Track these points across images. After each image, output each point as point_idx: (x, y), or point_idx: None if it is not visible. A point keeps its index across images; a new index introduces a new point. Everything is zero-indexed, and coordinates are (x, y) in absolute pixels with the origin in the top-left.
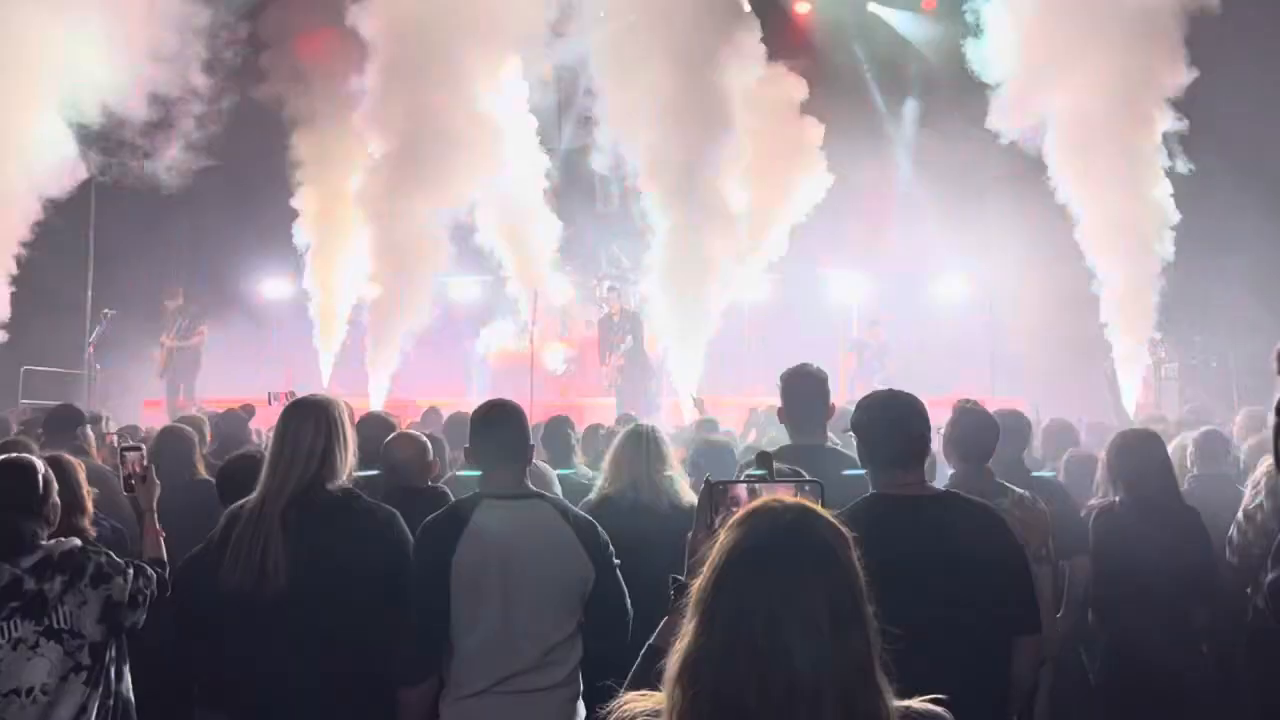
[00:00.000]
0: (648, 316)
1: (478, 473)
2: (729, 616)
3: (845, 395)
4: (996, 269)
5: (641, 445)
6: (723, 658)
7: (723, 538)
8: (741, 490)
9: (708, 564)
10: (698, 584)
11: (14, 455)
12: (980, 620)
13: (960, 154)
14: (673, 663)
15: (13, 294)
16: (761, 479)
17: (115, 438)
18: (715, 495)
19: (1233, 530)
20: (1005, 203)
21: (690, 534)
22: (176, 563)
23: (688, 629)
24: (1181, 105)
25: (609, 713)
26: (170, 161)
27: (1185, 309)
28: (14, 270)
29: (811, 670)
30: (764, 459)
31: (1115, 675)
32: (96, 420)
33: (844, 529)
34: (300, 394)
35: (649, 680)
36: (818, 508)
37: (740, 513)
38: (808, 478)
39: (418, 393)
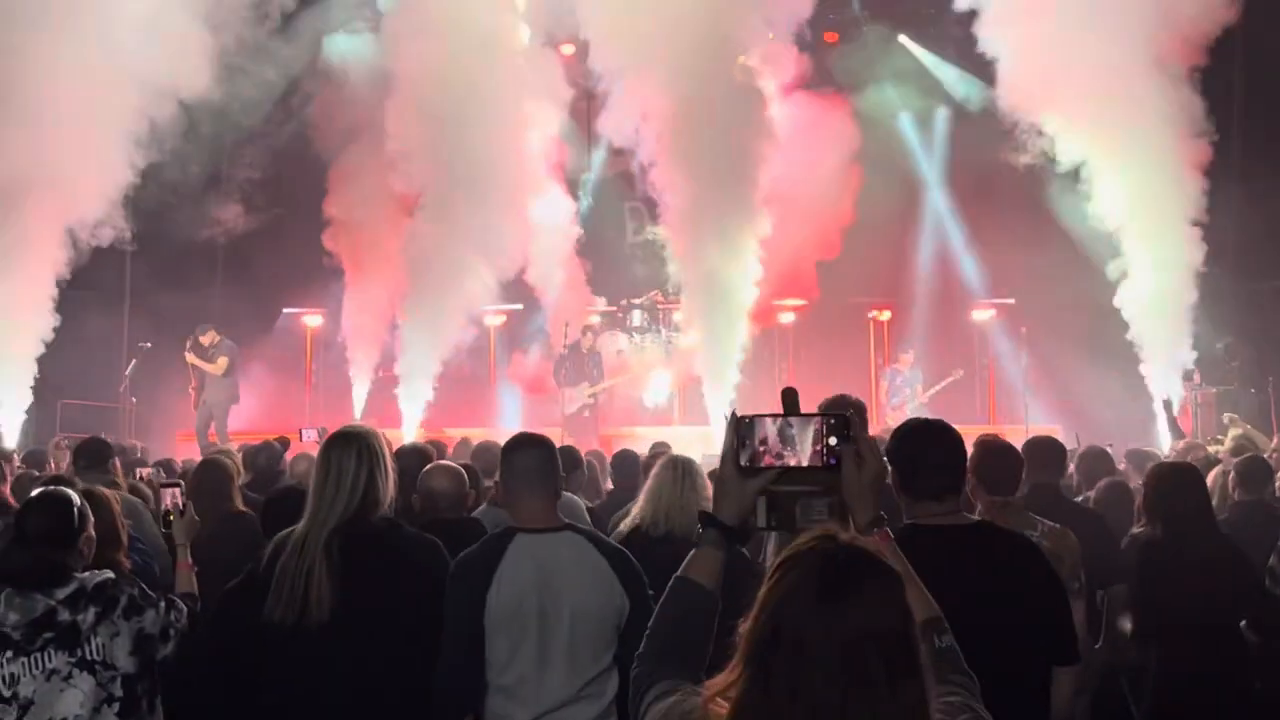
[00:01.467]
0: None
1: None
2: (785, 671)
3: (879, 424)
4: (1029, 295)
5: (677, 475)
6: (780, 714)
7: (775, 580)
8: (768, 426)
9: (758, 606)
10: (748, 628)
11: (50, 489)
12: (1019, 652)
13: (990, 179)
14: (726, 711)
15: (51, 328)
16: (787, 414)
17: (150, 472)
18: (742, 430)
19: (1274, 560)
20: (1038, 228)
21: (718, 469)
22: (214, 595)
23: (739, 676)
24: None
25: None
26: (217, 223)
27: (1222, 335)
28: (53, 305)
29: None
30: (789, 395)
31: (1163, 708)
32: (123, 451)
33: (896, 567)
34: (331, 429)
35: (678, 614)
36: (870, 544)
37: (791, 550)
38: (832, 412)
39: (448, 423)
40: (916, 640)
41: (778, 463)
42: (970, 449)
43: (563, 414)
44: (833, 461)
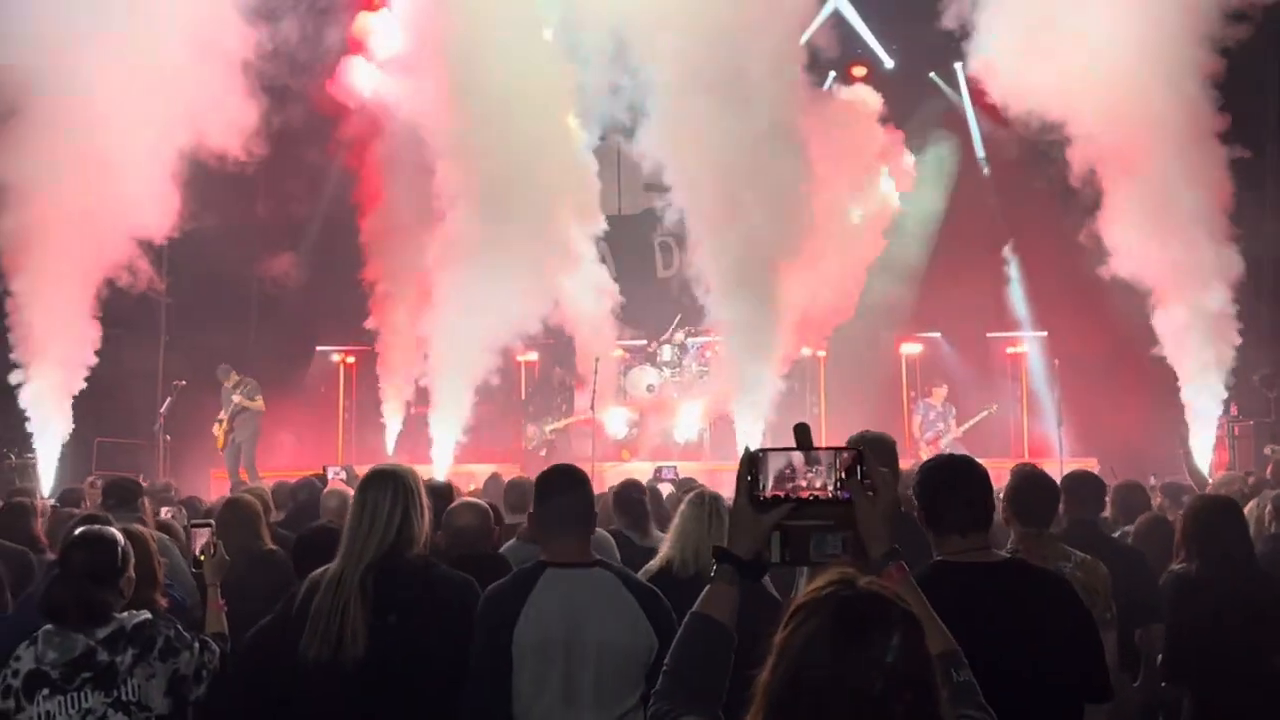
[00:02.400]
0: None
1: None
2: None
3: (912, 459)
4: (1062, 327)
5: (703, 514)
6: None
7: (792, 627)
8: (781, 460)
9: (775, 653)
10: (765, 676)
11: (95, 527)
12: (1050, 688)
13: (1022, 211)
14: None
15: (88, 367)
16: (800, 448)
17: (174, 512)
18: (756, 464)
19: None
20: (1071, 260)
21: (732, 503)
22: (243, 633)
23: None
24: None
25: None
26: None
27: (1259, 365)
28: (93, 344)
29: None
30: (802, 430)
31: None
32: (154, 489)
33: (914, 605)
34: (357, 467)
35: (695, 651)
36: (887, 589)
37: (807, 596)
38: (845, 446)
39: (479, 459)
40: (938, 688)
41: (791, 497)
42: (1008, 479)
43: (524, 449)
44: (846, 495)
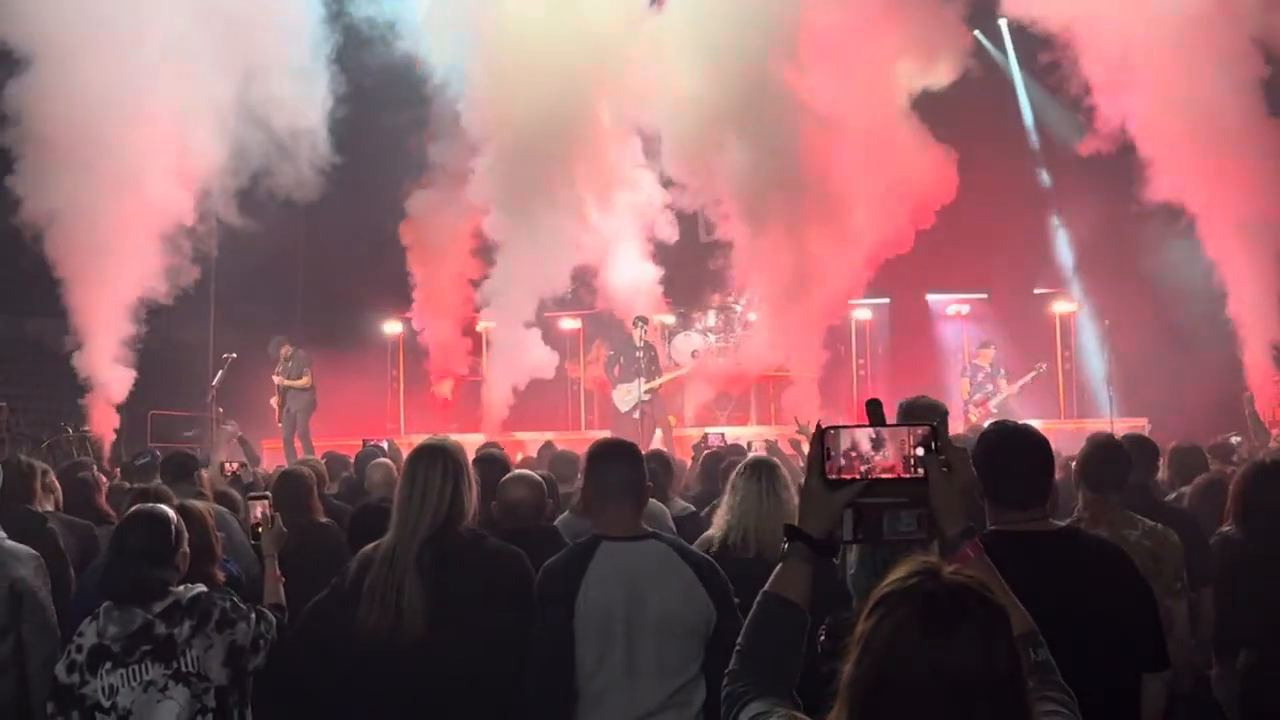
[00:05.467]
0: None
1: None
2: (891, 716)
3: (963, 422)
4: (1112, 287)
5: (760, 481)
6: None
7: (876, 619)
8: (853, 437)
9: (859, 646)
10: (849, 670)
11: (148, 506)
12: (1107, 659)
13: (1072, 169)
14: None
15: (141, 341)
16: (873, 424)
17: (235, 467)
18: (827, 441)
19: None
20: (1123, 219)
21: (804, 481)
22: (295, 607)
23: None
24: None
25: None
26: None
27: None
28: (142, 320)
29: None
30: (874, 406)
31: (1256, 712)
32: (208, 464)
33: (1000, 603)
34: (399, 440)
35: (767, 631)
36: (974, 580)
37: (892, 586)
38: (918, 422)
39: (526, 427)
40: (1025, 678)
41: (864, 475)
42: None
43: (615, 412)
44: (920, 472)
